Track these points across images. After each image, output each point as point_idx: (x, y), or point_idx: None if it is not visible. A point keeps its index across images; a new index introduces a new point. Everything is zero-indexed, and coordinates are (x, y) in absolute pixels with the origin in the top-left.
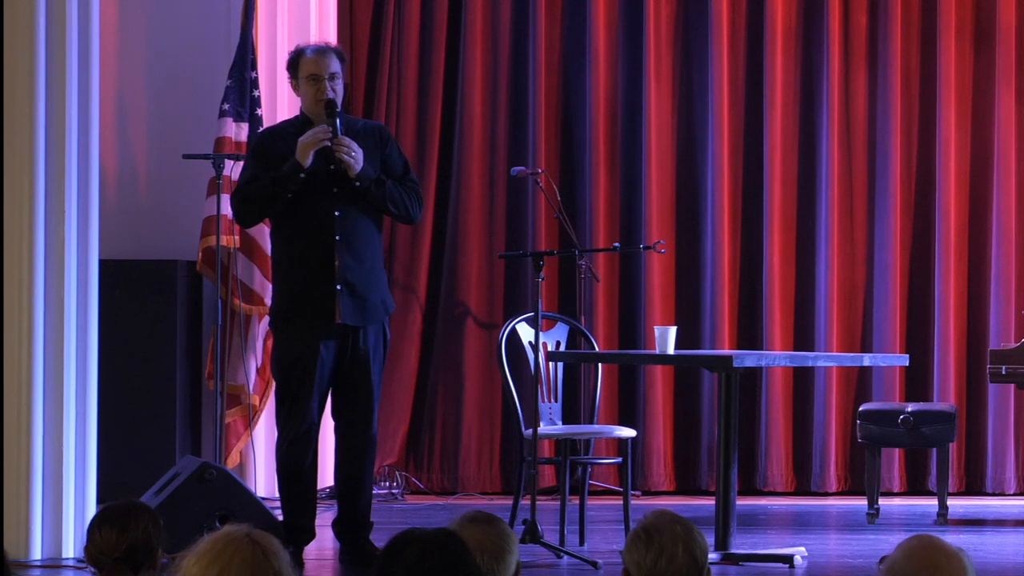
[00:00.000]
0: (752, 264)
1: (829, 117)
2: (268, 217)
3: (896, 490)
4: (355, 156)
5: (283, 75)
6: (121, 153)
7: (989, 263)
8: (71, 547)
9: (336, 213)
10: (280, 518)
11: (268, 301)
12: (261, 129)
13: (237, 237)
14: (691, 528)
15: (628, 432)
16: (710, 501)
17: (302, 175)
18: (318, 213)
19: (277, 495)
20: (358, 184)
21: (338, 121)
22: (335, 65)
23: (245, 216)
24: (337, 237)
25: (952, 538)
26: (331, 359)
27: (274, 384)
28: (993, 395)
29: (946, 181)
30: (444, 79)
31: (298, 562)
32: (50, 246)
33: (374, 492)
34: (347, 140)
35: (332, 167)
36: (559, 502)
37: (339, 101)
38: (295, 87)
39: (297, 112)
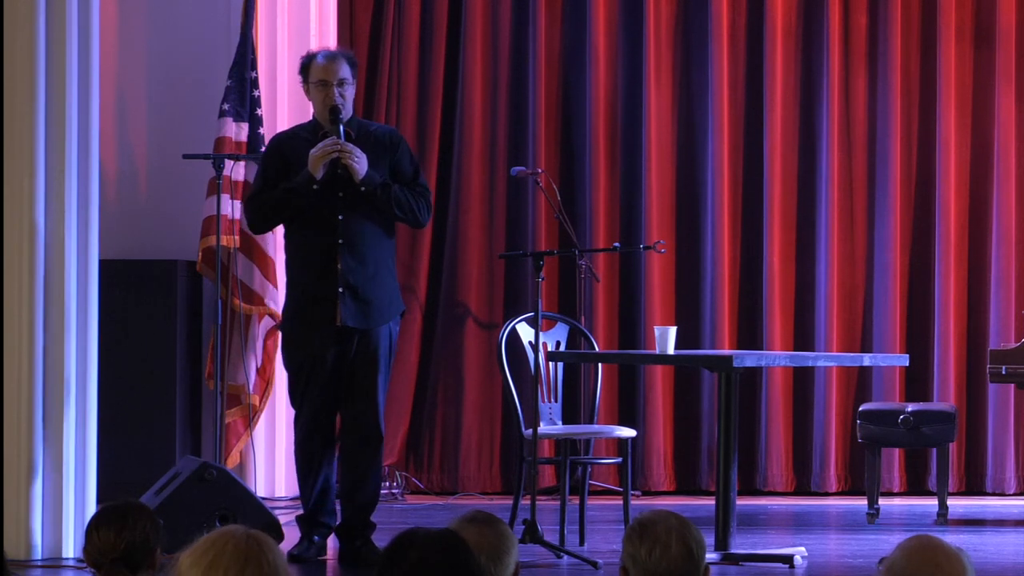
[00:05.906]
0: (752, 264)
1: (829, 117)
2: (281, 224)
3: (896, 490)
4: (358, 160)
5: (283, 75)
6: (121, 153)
7: (989, 263)
8: (71, 547)
9: (340, 217)
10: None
11: (268, 301)
12: (276, 133)
13: (237, 237)
14: (687, 522)
15: (628, 432)
16: (710, 501)
17: (315, 186)
18: (323, 217)
19: (277, 495)
20: (363, 189)
21: (342, 127)
22: (344, 71)
23: (258, 224)
24: (340, 240)
25: (952, 538)
26: (333, 360)
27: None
28: (993, 395)
29: (946, 181)
30: (444, 79)
31: (320, 552)
32: (50, 246)
33: None
34: (350, 146)
35: (339, 171)
36: (559, 502)
37: (349, 105)
38: (307, 91)
39: (299, 111)
